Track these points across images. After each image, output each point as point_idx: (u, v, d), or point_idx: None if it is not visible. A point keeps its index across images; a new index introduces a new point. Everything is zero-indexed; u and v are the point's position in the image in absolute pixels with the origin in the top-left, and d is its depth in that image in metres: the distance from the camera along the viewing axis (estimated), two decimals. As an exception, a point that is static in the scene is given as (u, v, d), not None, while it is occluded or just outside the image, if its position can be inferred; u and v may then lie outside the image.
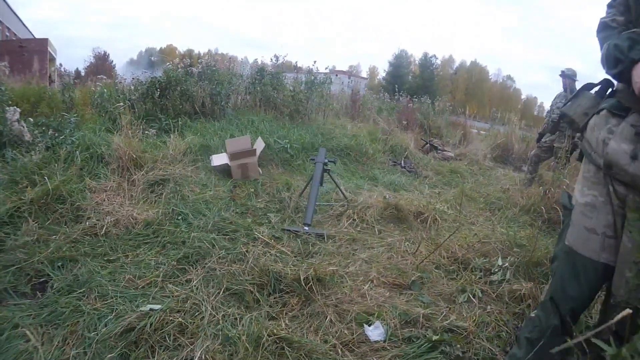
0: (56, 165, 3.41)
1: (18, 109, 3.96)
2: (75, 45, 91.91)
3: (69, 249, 2.56)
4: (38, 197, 2.94)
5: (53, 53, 20.08)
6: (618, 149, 1.27)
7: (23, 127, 3.86)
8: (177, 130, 5.17)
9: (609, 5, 1.43)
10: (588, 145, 1.44)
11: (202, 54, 76.56)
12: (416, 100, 13.62)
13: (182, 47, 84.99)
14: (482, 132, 18.69)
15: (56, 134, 3.98)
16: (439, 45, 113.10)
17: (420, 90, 23.92)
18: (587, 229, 1.38)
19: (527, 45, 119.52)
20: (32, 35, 31.71)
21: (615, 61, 1.26)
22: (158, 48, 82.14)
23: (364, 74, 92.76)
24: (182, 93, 6.00)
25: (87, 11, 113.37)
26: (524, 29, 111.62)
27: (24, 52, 16.33)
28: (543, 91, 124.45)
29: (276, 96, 6.96)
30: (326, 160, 4.05)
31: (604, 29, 1.40)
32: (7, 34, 24.27)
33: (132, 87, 6.17)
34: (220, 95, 6.26)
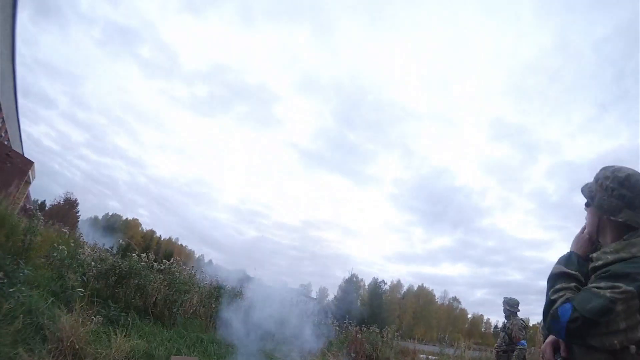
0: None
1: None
2: (52, 177, 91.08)
3: None
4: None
5: (31, 177, 19.63)
6: None
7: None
8: (126, 328, 5.06)
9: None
10: None
11: (162, 239, 77.01)
12: (364, 329, 13.81)
13: (145, 225, 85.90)
14: (430, 357, 18.36)
15: (5, 280, 3.83)
16: (387, 266, 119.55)
17: (369, 318, 24.29)
18: None
19: (469, 267, 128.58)
20: (22, 146, 30.75)
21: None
22: (124, 217, 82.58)
23: (314, 294, 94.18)
24: (138, 287, 6.02)
25: (74, 154, 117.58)
26: (462, 251, 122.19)
27: (8, 162, 16.04)
28: (488, 308, 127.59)
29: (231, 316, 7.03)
30: None
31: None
32: (3, 134, 24.07)
33: (92, 262, 6.20)
34: (176, 304, 6.30)
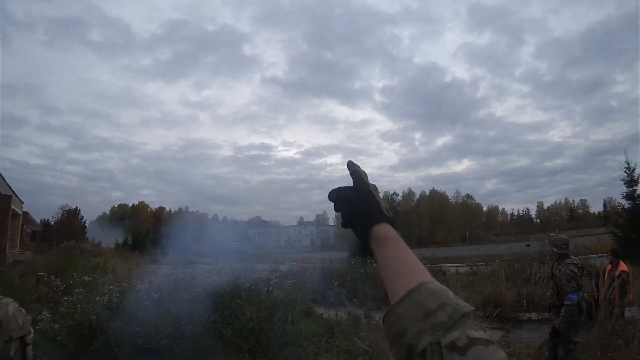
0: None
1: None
2: (48, 192, 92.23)
3: None
4: None
5: (18, 210, 18.83)
6: None
7: None
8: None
9: None
10: None
11: (172, 212, 76.28)
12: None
13: (153, 204, 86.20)
14: (460, 267, 17.87)
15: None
16: (395, 177, 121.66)
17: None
18: None
19: (475, 159, 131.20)
20: (3, 178, 30.62)
21: None
22: (130, 204, 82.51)
23: (331, 221, 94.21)
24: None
25: (63, 161, 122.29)
26: (465, 146, 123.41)
27: (-15, 206, 15.39)
28: (500, 197, 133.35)
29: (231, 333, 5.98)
30: None
31: None
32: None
33: (56, 326, 5.35)
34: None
